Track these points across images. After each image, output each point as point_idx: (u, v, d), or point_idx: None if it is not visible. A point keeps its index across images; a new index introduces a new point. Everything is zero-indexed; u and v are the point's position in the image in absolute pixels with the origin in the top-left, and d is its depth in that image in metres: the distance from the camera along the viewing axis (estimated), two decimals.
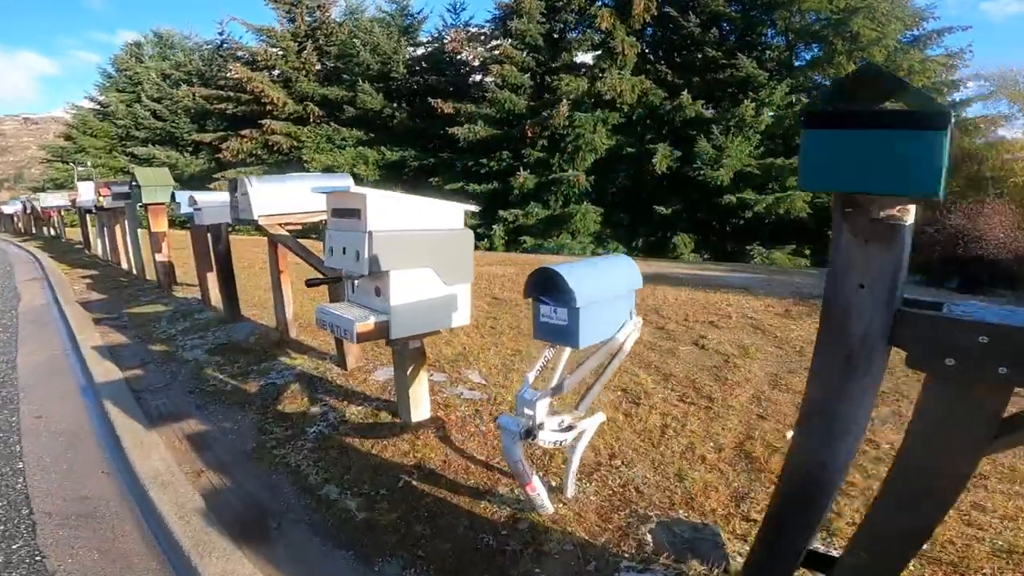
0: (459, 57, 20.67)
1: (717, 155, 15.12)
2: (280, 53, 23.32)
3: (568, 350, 2.05)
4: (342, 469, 2.52)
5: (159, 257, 6.94)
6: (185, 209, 5.39)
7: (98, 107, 31.63)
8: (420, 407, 2.80)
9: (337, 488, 2.41)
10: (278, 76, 23.52)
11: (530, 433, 1.80)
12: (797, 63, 16.82)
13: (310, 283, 2.49)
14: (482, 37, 19.96)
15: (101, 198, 8.46)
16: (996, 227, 6.28)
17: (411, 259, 2.37)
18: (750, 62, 15.51)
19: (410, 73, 21.18)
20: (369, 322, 2.30)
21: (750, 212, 14.97)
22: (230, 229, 5.31)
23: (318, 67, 23.36)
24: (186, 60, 29.75)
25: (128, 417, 3.38)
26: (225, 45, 27.95)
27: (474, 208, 2.62)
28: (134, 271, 8.58)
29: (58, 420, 3.54)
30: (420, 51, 22.38)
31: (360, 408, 3.07)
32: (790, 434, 1.20)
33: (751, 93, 15.39)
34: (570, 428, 2.02)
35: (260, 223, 3.67)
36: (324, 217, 3.87)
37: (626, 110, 16.90)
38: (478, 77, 20.72)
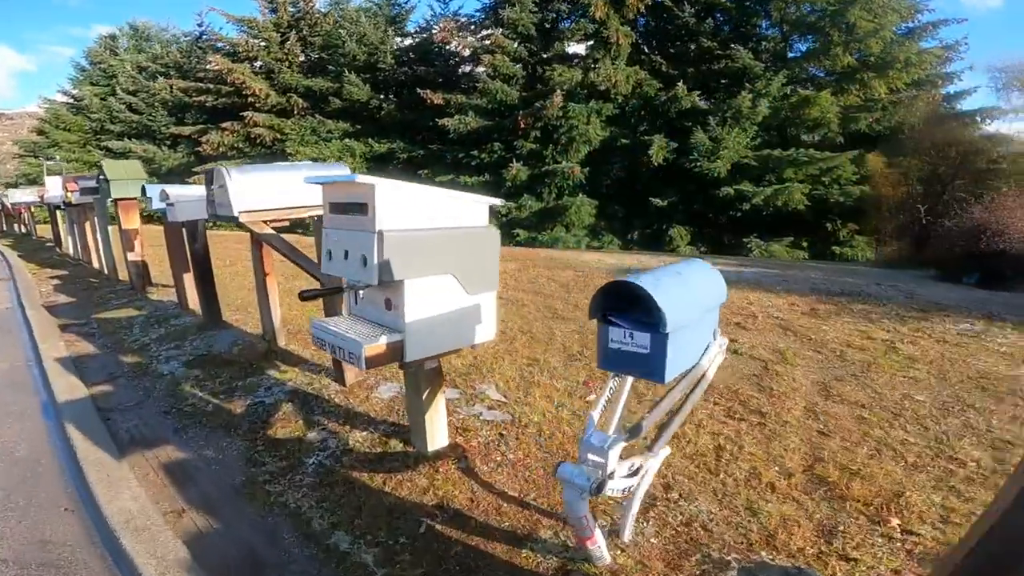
0: (448, 47, 20.06)
1: (714, 147, 14.84)
2: (262, 44, 22.50)
3: (631, 379, 1.68)
4: (351, 511, 2.13)
5: (131, 256, 6.41)
6: (157, 204, 4.90)
7: (71, 101, 30.47)
8: (437, 434, 2.41)
9: (348, 536, 2.01)
10: (260, 67, 22.70)
11: (601, 487, 1.43)
12: (792, 55, 16.57)
13: (305, 296, 2.07)
14: (472, 27, 19.40)
15: (69, 193, 7.89)
16: (1020, 220, 6.06)
17: (429, 264, 1.97)
18: (746, 53, 15.22)
19: (398, 64, 20.52)
20: (380, 343, 1.90)
21: (748, 204, 14.72)
22: (208, 225, 4.84)
23: (302, 58, 22.60)
24: (163, 52, 28.75)
25: (93, 444, 2.95)
26: (204, 36, 27.05)
27: (498, 203, 2.22)
28: (105, 271, 8.03)
29: (15, 444, 3.09)
30: (408, 41, 21.72)
31: (365, 434, 2.67)
32: None
33: (747, 84, 15.11)
34: (638, 471, 1.65)
35: (241, 220, 3.21)
36: (316, 213, 3.47)
37: (620, 101, 16.52)
38: (468, 68, 20.17)
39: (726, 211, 15.49)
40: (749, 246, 14.80)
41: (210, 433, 2.94)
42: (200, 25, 27.68)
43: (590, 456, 1.47)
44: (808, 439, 2.59)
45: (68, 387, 3.74)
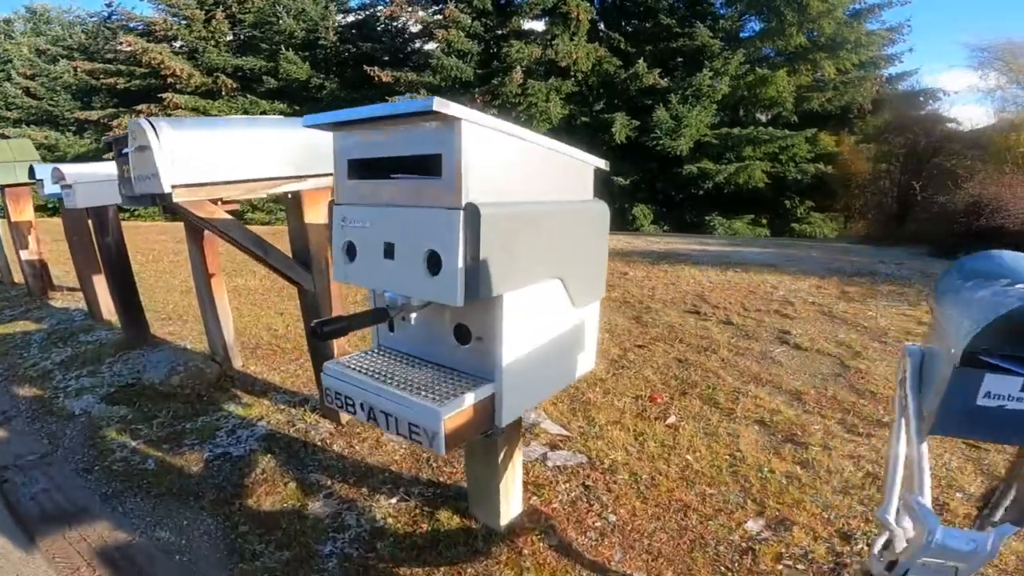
0: (396, 23, 18.68)
1: (675, 125, 14.62)
2: (183, 22, 20.21)
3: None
4: None
5: (26, 255, 5.13)
6: (50, 189, 3.75)
7: None
8: (513, 502, 1.67)
9: None
10: (181, 47, 20.42)
11: None
12: (745, 34, 16.58)
13: (323, 333, 1.20)
14: (423, 1, 18.06)
15: None
16: (1020, 197, 6.02)
17: (537, 263, 1.21)
18: (705, 30, 15.05)
19: (341, 41, 18.91)
20: (465, 404, 1.13)
21: (710, 182, 14.69)
22: (124, 216, 3.74)
23: (230, 37, 20.50)
24: (65, 34, 25.64)
25: None
26: (114, 16, 24.15)
27: (604, 164, 1.50)
28: None
29: None
30: (351, 18, 20.09)
31: (395, 501, 1.88)
32: None
33: (705, 62, 14.97)
34: None
35: (177, 199, 2.06)
36: (295, 187, 2.56)
37: (580, 78, 15.94)
38: (418, 44, 18.90)
39: (687, 189, 15.40)
40: (712, 224, 14.80)
41: (158, 503, 2.05)
42: (109, 5, 24.68)
43: (949, 564, 0.83)
44: (961, 453, 2.08)
45: None
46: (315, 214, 2.45)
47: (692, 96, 14.77)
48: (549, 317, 1.29)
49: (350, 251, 1.30)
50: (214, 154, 2.07)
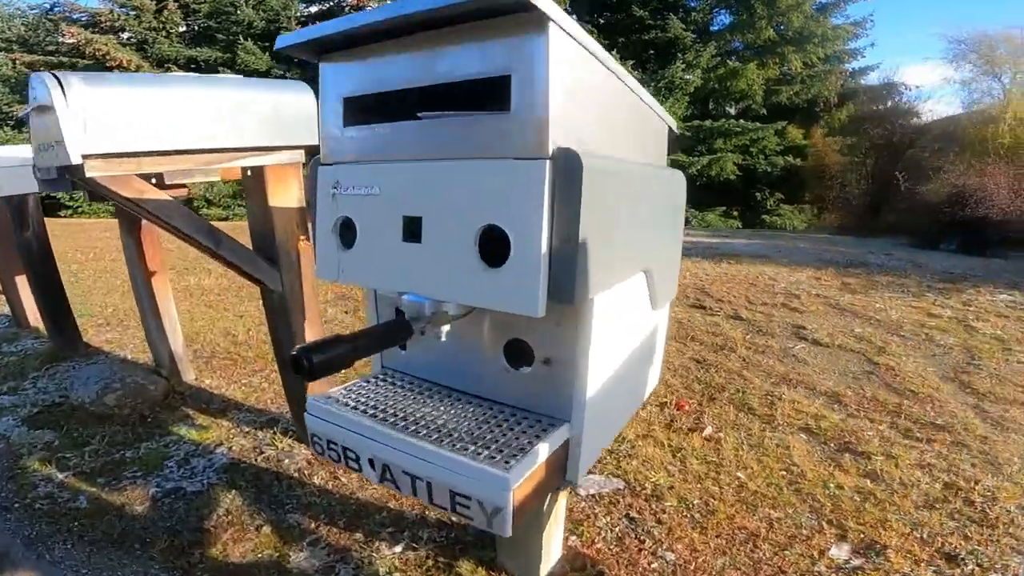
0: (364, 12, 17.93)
1: None
2: (132, 13, 18.93)
3: None
4: None
5: None
6: None
7: None
8: (554, 549, 1.33)
9: None
10: (129, 38, 19.18)
11: None
12: (716, 27, 16.64)
13: (313, 367, 0.76)
14: None
15: None
16: (1003, 187, 6.09)
17: (632, 249, 0.86)
18: (677, 23, 15.00)
19: None
20: (537, 463, 0.77)
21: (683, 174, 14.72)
22: (74, 212, 3.17)
23: (183, 28, 19.34)
24: (4, 27, 23.76)
25: None
26: (57, 8, 22.52)
27: (674, 126, 1.16)
28: None
29: None
30: (315, 8, 19.16)
31: (401, 550, 1.49)
32: None
33: (678, 55, 14.94)
34: None
35: (91, 175, 1.49)
36: (256, 160, 2.10)
37: None
38: None
39: None
40: (686, 216, 14.83)
41: (95, 551, 1.62)
42: None
43: None
44: None
45: None
46: (282, 195, 2.02)
47: (665, 88, 14.70)
48: (629, 324, 0.95)
49: (346, 233, 0.91)
50: (143, 117, 1.60)
